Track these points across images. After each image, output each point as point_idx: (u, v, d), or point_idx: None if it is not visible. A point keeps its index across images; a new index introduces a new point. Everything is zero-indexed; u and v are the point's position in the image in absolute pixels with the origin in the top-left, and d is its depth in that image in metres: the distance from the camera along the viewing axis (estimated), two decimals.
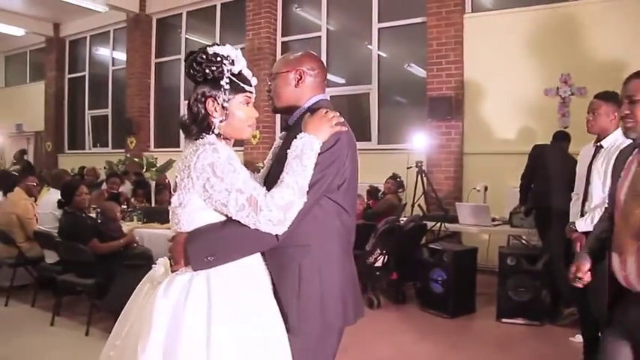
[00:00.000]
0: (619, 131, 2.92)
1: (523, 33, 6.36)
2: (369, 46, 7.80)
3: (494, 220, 5.44)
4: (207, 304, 1.53)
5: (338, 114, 1.73)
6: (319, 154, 1.63)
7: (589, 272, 2.00)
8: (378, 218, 5.45)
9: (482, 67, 6.63)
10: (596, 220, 2.64)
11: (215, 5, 9.46)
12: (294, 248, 1.69)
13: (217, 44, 1.69)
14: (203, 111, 1.65)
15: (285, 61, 1.89)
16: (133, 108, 10.37)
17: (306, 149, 1.60)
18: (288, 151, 1.63)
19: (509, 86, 6.41)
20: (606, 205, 2.23)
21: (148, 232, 4.97)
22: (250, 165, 7.10)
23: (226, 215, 1.58)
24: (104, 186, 7.27)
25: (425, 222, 5.53)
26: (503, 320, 4.50)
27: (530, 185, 4.83)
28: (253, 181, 1.60)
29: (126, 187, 7.45)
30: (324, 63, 1.97)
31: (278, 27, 8.66)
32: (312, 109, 1.77)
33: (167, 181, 7.26)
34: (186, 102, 1.73)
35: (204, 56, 1.65)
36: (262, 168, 1.96)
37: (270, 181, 1.68)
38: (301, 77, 1.83)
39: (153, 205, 6.47)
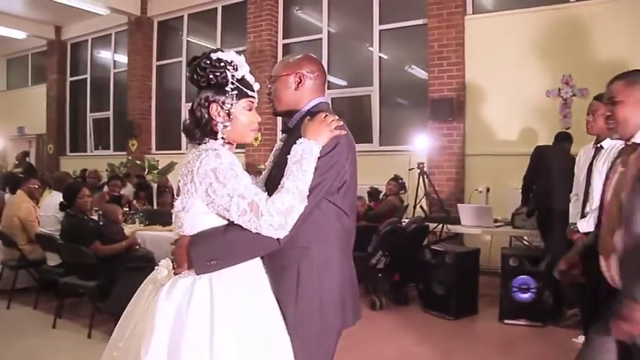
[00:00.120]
0: None
1: (524, 34, 6.36)
2: (370, 48, 7.81)
3: (496, 221, 5.44)
4: (210, 307, 1.54)
5: (337, 118, 1.74)
6: (319, 158, 1.64)
7: (576, 269, 2.03)
8: (379, 220, 5.45)
9: (484, 69, 6.62)
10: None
11: (216, 8, 9.48)
12: (293, 250, 1.69)
13: (221, 50, 1.70)
14: (206, 116, 1.67)
15: (284, 64, 1.90)
16: (135, 110, 10.39)
17: (305, 154, 1.62)
18: (288, 156, 1.65)
19: (510, 87, 6.41)
20: None
21: (150, 234, 4.98)
22: (252, 167, 7.11)
23: (229, 220, 1.60)
24: (105, 188, 7.28)
25: (427, 223, 5.53)
26: (506, 321, 4.49)
27: (532, 186, 4.83)
28: (255, 187, 1.61)
29: (127, 190, 7.45)
30: (325, 65, 1.98)
31: (279, 29, 8.67)
32: (312, 112, 1.78)
33: (169, 183, 7.26)
34: (189, 105, 1.74)
35: (208, 61, 1.66)
36: (264, 170, 1.97)
37: (271, 184, 1.70)
38: (301, 80, 1.84)
39: (155, 207, 6.47)
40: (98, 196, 6.38)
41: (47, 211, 5.24)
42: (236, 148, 1.78)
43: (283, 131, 1.95)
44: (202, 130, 1.67)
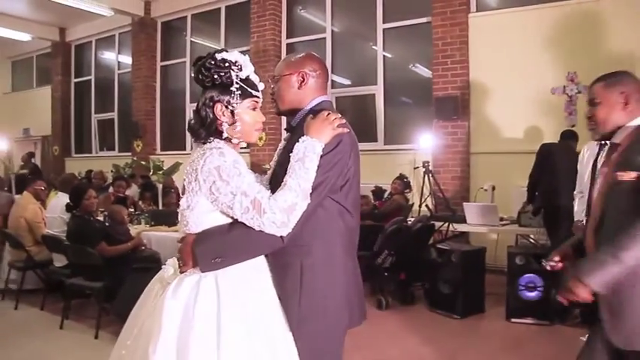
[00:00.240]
0: None
1: (529, 31, 6.33)
2: (374, 47, 7.80)
3: (502, 219, 5.42)
4: (216, 305, 1.56)
5: (340, 116, 1.74)
6: (322, 156, 1.65)
7: (561, 261, 2.09)
8: (385, 219, 5.45)
9: (488, 67, 6.61)
10: None
11: (220, 8, 9.48)
12: (296, 248, 1.69)
13: (226, 50, 1.71)
14: (211, 115, 1.68)
15: (287, 63, 1.91)
16: (139, 111, 10.41)
17: (308, 152, 1.62)
18: (291, 154, 1.65)
19: (515, 85, 6.38)
20: None
21: (155, 234, 4.98)
22: (257, 166, 7.11)
23: (233, 217, 1.60)
24: (110, 189, 7.30)
25: (432, 222, 5.51)
26: (513, 320, 4.48)
27: (538, 184, 4.82)
28: (258, 185, 1.62)
29: (132, 191, 7.47)
30: (329, 64, 1.99)
31: (283, 29, 8.67)
32: (315, 111, 1.79)
33: (174, 184, 7.27)
34: (193, 106, 1.75)
35: (213, 62, 1.68)
36: (269, 169, 1.97)
37: (274, 183, 1.70)
38: (304, 79, 1.85)
39: (160, 208, 6.48)
40: (103, 197, 6.40)
41: (53, 212, 5.26)
42: (241, 147, 1.78)
43: (287, 130, 1.95)
44: (207, 129, 1.69)
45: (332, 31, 8.23)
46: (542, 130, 6.15)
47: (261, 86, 1.77)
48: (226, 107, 1.68)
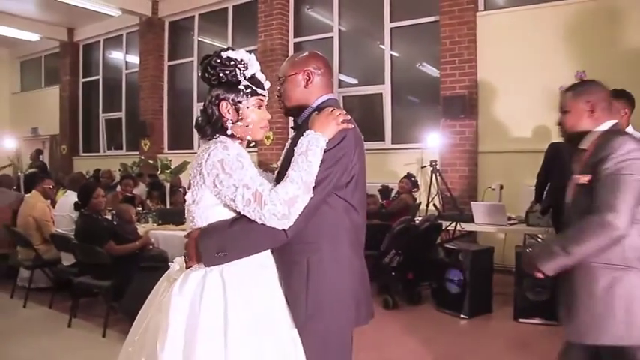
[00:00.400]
0: (629, 128, 3.04)
1: (536, 30, 6.29)
2: (381, 46, 7.78)
3: (510, 219, 5.39)
4: (223, 300, 1.56)
5: (344, 112, 1.74)
6: (326, 152, 1.65)
7: None
8: (392, 218, 5.44)
9: (496, 65, 6.57)
10: None
11: (227, 7, 9.50)
12: (302, 245, 1.70)
13: (232, 49, 1.73)
14: (217, 113, 1.70)
15: (291, 63, 1.91)
16: (147, 111, 10.45)
17: (311, 146, 1.63)
18: (295, 148, 1.66)
19: (523, 84, 6.35)
20: None
21: (163, 233, 5.00)
22: (264, 166, 7.11)
23: (237, 211, 1.61)
24: (118, 188, 7.33)
25: (440, 222, 5.49)
26: (521, 320, 4.45)
27: (546, 183, 4.78)
28: (261, 178, 1.63)
29: (140, 190, 7.50)
30: (337, 63, 1.99)
31: (290, 28, 8.67)
32: (321, 108, 1.79)
33: (182, 183, 7.29)
34: (201, 105, 1.77)
35: (219, 60, 1.70)
36: (276, 169, 1.97)
37: (279, 180, 1.70)
38: (309, 77, 1.86)
39: (167, 207, 6.50)
40: (111, 196, 6.42)
41: (62, 211, 5.29)
42: (248, 147, 1.79)
43: (293, 129, 1.95)
44: (213, 126, 1.71)
45: (339, 30, 8.22)
46: (550, 129, 6.08)
47: (267, 84, 1.78)
48: (232, 105, 1.70)
